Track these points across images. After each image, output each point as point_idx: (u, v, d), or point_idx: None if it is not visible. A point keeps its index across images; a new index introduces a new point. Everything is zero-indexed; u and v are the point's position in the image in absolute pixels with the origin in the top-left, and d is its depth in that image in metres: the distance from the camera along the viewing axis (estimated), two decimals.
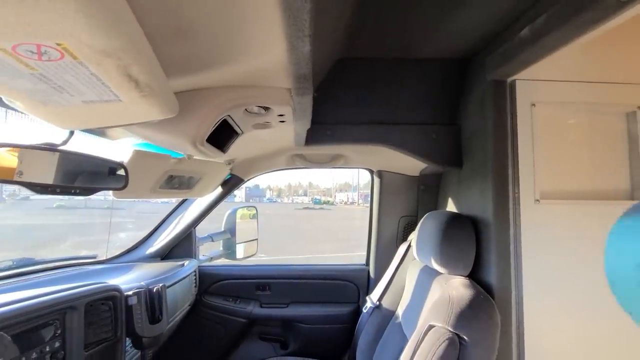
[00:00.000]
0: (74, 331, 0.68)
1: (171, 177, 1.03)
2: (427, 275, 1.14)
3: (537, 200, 1.01)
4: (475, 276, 1.03)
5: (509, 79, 1.03)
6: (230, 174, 1.36)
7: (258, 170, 1.42)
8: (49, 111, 0.39)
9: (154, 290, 0.94)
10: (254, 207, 2.02)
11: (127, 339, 0.95)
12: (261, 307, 1.53)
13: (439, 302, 0.93)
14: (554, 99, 1.04)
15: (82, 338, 0.70)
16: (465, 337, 0.85)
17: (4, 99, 0.38)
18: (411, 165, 1.38)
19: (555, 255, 1.00)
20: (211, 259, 1.67)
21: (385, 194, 1.53)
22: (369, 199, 1.62)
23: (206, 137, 0.62)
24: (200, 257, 1.62)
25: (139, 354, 0.99)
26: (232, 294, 1.54)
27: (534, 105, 1.03)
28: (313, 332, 1.52)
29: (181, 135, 0.60)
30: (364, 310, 1.42)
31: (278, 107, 0.64)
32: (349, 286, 1.59)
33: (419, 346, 0.90)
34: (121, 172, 0.76)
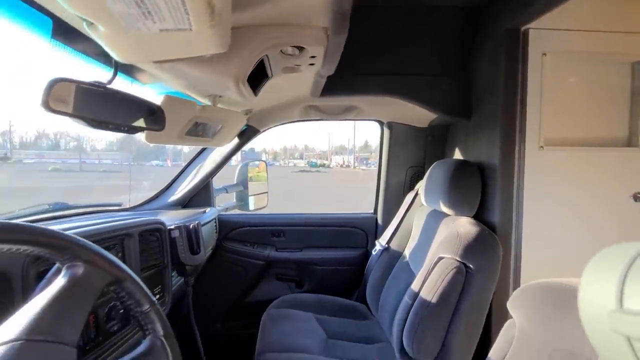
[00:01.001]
0: (132, 256, 0.76)
1: (196, 125, 1.07)
2: (435, 218, 1.23)
3: (541, 147, 1.08)
4: (479, 217, 1.12)
5: (523, 28, 1.05)
6: (247, 125, 1.39)
7: (273, 122, 1.45)
8: (124, 40, 0.42)
9: (191, 226, 1.04)
10: (264, 161, 2.07)
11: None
12: (277, 251, 1.64)
13: (448, 238, 1.03)
14: (564, 48, 1.07)
15: (139, 262, 0.79)
16: (471, 265, 0.95)
17: (85, 27, 0.41)
18: (421, 116, 1.42)
19: (555, 197, 1.09)
20: (226, 209, 1.76)
21: (394, 146, 1.59)
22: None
23: (247, 77, 0.65)
24: (217, 207, 1.70)
25: (182, 280, 1.10)
26: (249, 239, 1.64)
27: (544, 54, 1.06)
28: (325, 273, 1.65)
29: (226, 73, 0.63)
30: (373, 253, 1.54)
31: (312, 48, 0.66)
32: (358, 232, 1.70)
33: (428, 276, 1.01)
34: (158, 114, 0.80)
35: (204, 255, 1.12)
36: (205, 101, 1.03)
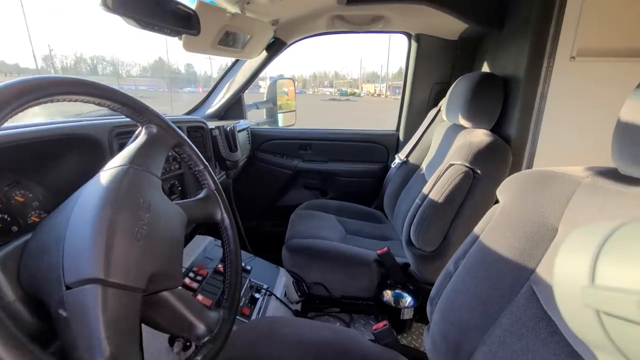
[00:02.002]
0: (197, 161, 0.90)
1: (227, 34, 1.12)
2: (453, 131, 1.26)
3: (573, 57, 1.03)
4: (497, 130, 1.15)
5: None
6: (274, 37, 1.41)
7: (300, 33, 1.45)
8: None
9: (228, 128, 1.18)
10: (292, 79, 2.10)
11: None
12: (304, 162, 1.78)
13: (461, 147, 1.08)
14: None
15: None
16: (479, 171, 1.02)
17: None
18: (451, 27, 1.35)
19: (578, 110, 1.07)
20: (257, 124, 1.88)
21: (421, 60, 1.55)
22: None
23: None
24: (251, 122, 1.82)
25: (224, 174, 1.29)
26: (279, 151, 1.78)
27: None
28: (348, 183, 1.79)
29: None
30: (392, 166, 1.63)
31: None
32: (379, 148, 1.78)
33: (438, 180, 1.10)
34: (193, 19, 0.86)
35: (240, 155, 1.28)
36: (235, 9, 1.06)
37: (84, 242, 0.35)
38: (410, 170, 1.50)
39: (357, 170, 1.78)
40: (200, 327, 0.45)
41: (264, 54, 1.44)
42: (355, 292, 1.20)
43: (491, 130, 1.14)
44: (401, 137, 1.73)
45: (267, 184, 1.80)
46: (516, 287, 0.55)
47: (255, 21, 1.17)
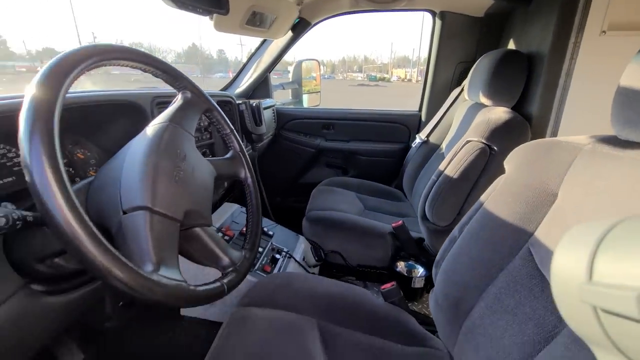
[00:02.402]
0: (224, 125, 0.99)
1: (254, 14, 1.18)
2: (474, 110, 1.26)
3: (603, 31, 0.99)
4: (518, 108, 1.14)
5: None
6: (299, 17, 1.45)
7: (323, 13, 1.48)
8: None
9: (254, 104, 1.26)
10: (316, 60, 2.14)
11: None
12: (326, 141, 1.84)
13: (479, 124, 1.08)
14: None
15: None
16: (495, 147, 1.02)
17: None
18: (477, 2, 1.33)
19: (606, 88, 1.04)
20: (283, 104, 1.95)
21: (445, 38, 1.53)
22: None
23: None
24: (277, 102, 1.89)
25: (250, 146, 1.38)
26: (302, 130, 1.85)
27: None
28: (368, 162, 1.83)
29: None
30: (413, 145, 1.65)
31: None
32: (401, 128, 1.80)
33: (454, 157, 1.11)
34: None
35: (264, 130, 1.36)
36: None
37: (136, 180, 0.44)
38: (431, 149, 1.52)
39: (378, 150, 1.81)
40: (225, 260, 0.54)
41: (290, 34, 1.49)
42: (370, 261, 1.26)
43: (513, 109, 1.14)
44: (423, 118, 1.73)
45: (291, 162, 1.88)
46: (515, 249, 0.58)
47: (281, 1, 1.22)
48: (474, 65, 1.28)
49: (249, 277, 0.96)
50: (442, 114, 1.51)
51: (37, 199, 0.32)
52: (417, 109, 1.78)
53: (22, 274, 0.48)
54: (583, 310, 0.24)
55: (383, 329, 0.77)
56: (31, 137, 0.32)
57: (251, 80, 1.65)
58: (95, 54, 0.41)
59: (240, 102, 1.23)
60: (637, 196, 0.42)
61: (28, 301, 0.49)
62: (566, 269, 0.26)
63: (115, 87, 0.86)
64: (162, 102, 0.80)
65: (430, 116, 1.63)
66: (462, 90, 1.46)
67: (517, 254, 0.58)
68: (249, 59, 1.65)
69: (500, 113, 1.07)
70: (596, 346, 0.26)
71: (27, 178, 0.32)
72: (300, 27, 1.48)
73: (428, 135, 1.54)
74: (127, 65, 0.48)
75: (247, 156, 0.69)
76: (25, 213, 0.40)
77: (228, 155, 0.67)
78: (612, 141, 0.52)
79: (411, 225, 1.30)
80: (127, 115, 0.74)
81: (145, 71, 0.53)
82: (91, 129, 0.70)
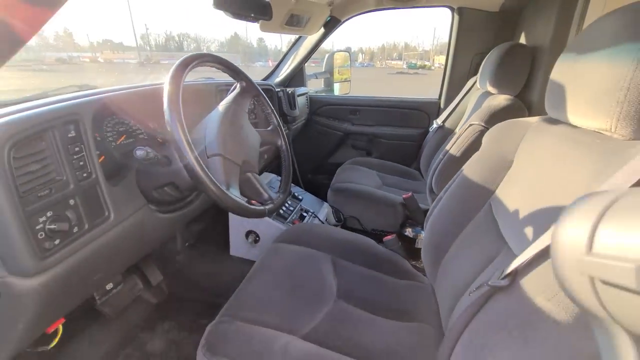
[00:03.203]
0: (266, 106, 1.24)
1: (291, 17, 1.41)
2: (483, 98, 1.40)
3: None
4: (522, 96, 1.26)
5: None
6: (330, 15, 1.65)
7: (351, 11, 1.67)
8: None
9: (290, 92, 1.51)
10: (348, 52, 2.33)
11: None
12: (352, 125, 2.05)
13: (482, 109, 1.24)
14: None
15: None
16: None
17: None
18: None
19: None
20: (316, 92, 2.17)
21: (463, 32, 1.65)
22: None
23: None
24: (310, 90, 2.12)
25: (287, 127, 1.64)
26: (332, 115, 2.07)
27: None
28: (390, 145, 2.02)
29: None
30: (430, 130, 1.81)
31: None
32: (421, 114, 1.95)
33: (458, 138, 1.28)
34: (267, 7, 1.17)
35: (298, 113, 1.61)
36: None
37: (214, 138, 0.70)
38: (446, 133, 1.67)
39: (399, 134, 1.99)
40: (266, 195, 0.80)
41: (322, 30, 1.71)
42: (382, 226, 1.47)
43: (518, 97, 1.26)
44: (442, 105, 1.87)
45: (321, 144, 2.12)
46: (480, 203, 0.77)
47: (314, 4, 1.43)
48: (487, 55, 1.41)
49: (281, 226, 1.23)
50: (457, 102, 1.65)
51: (175, 146, 0.59)
52: (437, 96, 1.92)
53: (145, 197, 0.77)
54: (580, 281, 0.24)
55: (381, 266, 0.99)
56: (171, 112, 0.59)
57: (288, 70, 1.90)
58: (196, 58, 0.68)
59: (278, 89, 1.49)
60: (556, 159, 0.59)
61: (147, 215, 0.78)
62: (567, 241, 0.26)
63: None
64: (222, 90, 1.07)
65: (448, 103, 1.77)
66: (476, 80, 1.59)
67: (482, 207, 0.77)
68: (287, 52, 1.89)
69: (501, 100, 1.22)
70: (592, 317, 0.26)
71: (169, 134, 0.59)
72: (331, 24, 1.69)
73: (444, 121, 1.68)
74: (211, 66, 0.75)
75: (283, 130, 0.93)
76: (156, 154, 0.68)
77: (269, 128, 0.92)
78: (548, 120, 0.69)
79: (423, 200, 1.49)
80: (199, 98, 1.02)
81: (218, 69, 0.79)
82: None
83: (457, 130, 1.59)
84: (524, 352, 0.38)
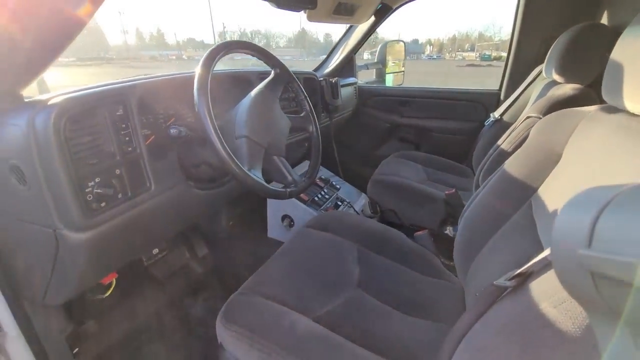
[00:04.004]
0: (299, 92, 1.28)
1: (339, 5, 1.39)
2: (547, 88, 1.22)
3: None
4: (597, 87, 1.07)
5: None
6: (381, 3, 1.59)
7: None
8: None
9: (333, 81, 1.51)
10: (402, 41, 2.22)
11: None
12: (402, 117, 1.96)
13: (542, 100, 1.09)
14: None
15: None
16: None
17: None
18: None
19: None
20: (367, 83, 2.13)
21: (531, 11, 1.44)
22: None
23: None
24: (359, 81, 2.08)
25: (328, 117, 1.65)
26: (381, 106, 2.01)
27: None
28: (441, 139, 1.89)
29: None
30: (486, 124, 1.64)
31: None
32: (477, 107, 1.78)
33: (512, 131, 1.14)
34: None
35: (340, 102, 1.60)
36: None
37: (242, 121, 0.73)
38: (502, 128, 1.50)
39: (452, 128, 1.85)
40: (290, 178, 0.81)
41: (372, 18, 1.65)
42: (420, 222, 1.40)
43: (590, 87, 1.08)
44: (502, 96, 1.69)
45: (368, 135, 2.08)
46: (521, 201, 0.69)
47: None
48: (556, 40, 1.23)
49: (315, 212, 1.24)
50: (519, 93, 1.47)
51: (201, 127, 0.63)
52: (497, 87, 1.74)
53: (184, 173, 0.84)
54: (580, 275, 0.24)
55: (408, 260, 0.95)
56: (199, 96, 0.63)
57: (338, 61, 1.88)
58: (225, 46, 0.71)
59: (321, 78, 1.49)
60: (607, 152, 0.51)
61: (185, 190, 0.85)
62: (566, 236, 0.26)
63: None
64: (262, 77, 1.11)
65: (509, 95, 1.59)
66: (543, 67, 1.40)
67: (521, 206, 0.69)
68: (337, 43, 1.88)
69: (566, 89, 1.05)
70: (592, 310, 0.26)
71: (197, 116, 0.64)
72: (382, 12, 1.62)
73: (502, 114, 1.52)
74: (244, 52, 0.78)
75: (315, 116, 0.94)
76: (189, 132, 0.74)
77: (302, 114, 0.93)
78: (606, 108, 0.58)
79: (465, 197, 1.37)
80: (242, 84, 1.07)
81: (253, 56, 0.82)
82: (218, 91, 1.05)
83: (516, 123, 1.43)
84: (518, 359, 0.34)
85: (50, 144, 0.53)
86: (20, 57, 0.51)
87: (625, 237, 0.21)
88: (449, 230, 1.32)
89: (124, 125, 0.67)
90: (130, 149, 0.68)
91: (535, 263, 0.39)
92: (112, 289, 0.87)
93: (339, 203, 1.35)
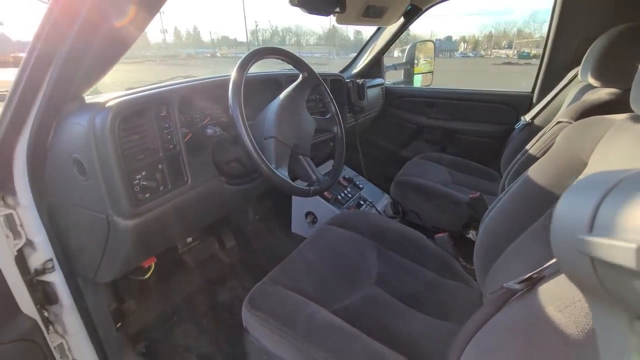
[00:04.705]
0: (326, 95, 1.31)
1: (368, 8, 1.40)
2: (583, 92, 1.17)
3: None
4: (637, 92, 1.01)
5: None
6: (410, 4, 1.58)
7: None
8: None
9: (360, 82, 1.53)
10: (432, 41, 2.19)
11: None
12: (428, 118, 1.94)
13: (574, 104, 1.05)
14: None
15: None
16: None
17: None
18: None
19: None
20: (394, 84, 2.12)
21: (569, 10, 1.38)
22: None
23: None
24: (387, 82, 2.08)
25: (353, 117, 1.67)
26: (407, 107, 1.99)
27: None
28: (468, 142, 1.85)
29: None
30: (516, 128, 1.59)
31: None
32: (508, 109, 1.72)
33: (542, 136, 1.11)
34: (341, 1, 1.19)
35: (366, 103, 1.62)
36: None
37: (271, 122, 0.78)
38: (533, 132, 1.45)
39: (480, 130, 1.80)
40: (314, 177, 0.85)
41: (401, 20, 1.65)
42: (443, 224, 1.39)
43: (626, 91, 1.03)
44: (535, 99, 1.63)
45: (393, 136, 2.07)
46: (543, 208, 0.69)
47: None
48: (594, 42, 1.18)
49: (337, 210, 1.28)
50: (552, 96, 1.41)
51: (234, 128, 0.69)
52: (530, 89, 1.67)
53: (217, 169, 0.91)
54: (580, 260, 0.24)
55: (427, 261, 0.96)
56: (233, 99, 0.69)
57: (366, 62, 1.89)
58: (257, 53, 0.76)
59: (348, 80, 1.52)
60: (630, 162, 0.50)
61: (217, 185, 0.92)
62: (567, 220, 0.26)
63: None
64: (291, 80, 1.15)
65: (542, 98, 1.53)
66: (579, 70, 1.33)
67: (543, 214, 0.69)
68: (365, 44, 1.89)
69: (601, 94, 1.01)
70: (590, 295, 0.26)
71: (230, 118, 0.69)
72: (411, 13, 1.61)
73: (534, 118, 1.47)
74: (274, 58, 0.83)
75: (340, 118, 0.97)
76: (223, 132, 0.80)
77: (327, 116, 0.97)
78: (634, 117, 0.57)
79: (489, 200, 1.34)
80: (272, 87, 1.12)
81: (284, 61, 0.86)
82: (250, 93, 1.11)
83: (547, 128, 1.38)
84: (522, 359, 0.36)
85: (107, 140, 0.61)
86: (85, 67, 0.58)
87: (627, 222, 0.21)
88: (471, 234, 1.31)
89: (166, 125, 0.74)
90: (171, 146, 0.75)
91: (546, 268, 0.40)
92: (151, 272, 0.96)
93: (362, 202, 1.37)
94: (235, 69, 0.73)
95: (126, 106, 0.65)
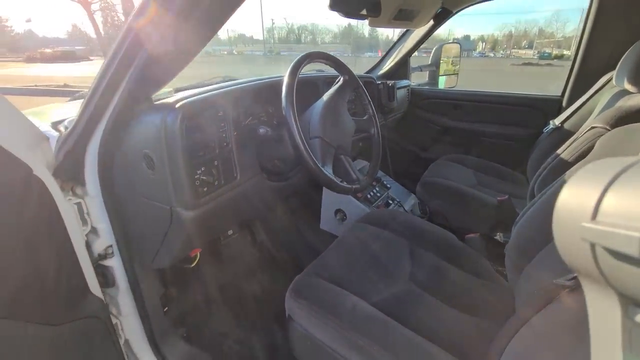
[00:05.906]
0: (364, 97, 1.32)
1: (400, 11, 1.43)
2: (618, 97, 1.17)
3: None
4: None
5: None
6: (441, 7, 1.60)
7: (465, 2, 1.57)
8: None
9: (390, 84, 1.56)
10: (458, 43, 2.19)
11: None
12: (452, 120, 1.95)
13: (610, 110, 1.05)
14: None
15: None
16: None
17: None
18: None
19: None
20: (419, 85, 2.13)
21: (605, 12, 1.36)
22: None
23: None
24: (412, 83, 2.10)
25: (383, 118, 1.70)
26: (432, 109, 2.01)
27: None
28: (493, 145, 1.85)
29: None
30: (544, 131, 1.58)
31: None
32: (536, 113, 1.71)
33: (574, 141, 1.11)
34: (376, 5, 1.23)
35: (395, 104, 1.64)
36: None
37: (316, 122, 0.83)
38: (563, 137, 1.44)
39: (506, 134, 1.80)
40: (354, 176, 0.89)
41: (431, 22, 1.66)
42: (470, 226, 1.41)
43: None
44: (564, 103, 1.62)
45: (418, 137, 2.09)
46: None
47: None
48: (632, 46, 1.17)
49: (367, 208, 1.31)
50: (584, 100, 1.40)
51: (287, 128, 0.73)
52: (560, 93, 1.66)
53: (260, 166, 0.96)
54: (580, 246, 0.24)
55: (458, 261, 0.99)
56: (286, 101, 0.74)
57: (393, 63, 1.91)
58: (307, 57, 0.81)
59: (379, 82, 1.55)
60: None
61: (260, 181, 0.97)
62: (571, 206, 0.26)
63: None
64: (329, 82, 1.20)
65: (572, 102, 1.52)
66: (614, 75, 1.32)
67: None
68: (393, 45, 1.91)
69: (637, 99, 1.01)
70: (588, 281, 0.26)
71: (284, 119, 0.74)
72: (441, 16, 1.63)
73: (563, 122, 1.46)
74: (321, 62, 0.87)
75: (377, 120, 1.01)
76: (272, 132, 0.85)
77: (365, 117, 1.01)
78: None
79: (517, 204, 1.35)
80: (311, 89, 1.17)
81: (326, 64, 0.91)
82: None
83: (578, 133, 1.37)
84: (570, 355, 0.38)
85: (176, 138, 0.67)
86: (156, 73, 0.64)
87: (632, 211, 0.21)
88: (499, 236, 1.32)
89: (222, 124, 0.79)
90: (225, 144, 0.80)
91: None
92: (196, 260, 1.02)
93: (390, 202, 1.41)
94: (287, 73, 0.78)
95: (192, 107, 0.70)
